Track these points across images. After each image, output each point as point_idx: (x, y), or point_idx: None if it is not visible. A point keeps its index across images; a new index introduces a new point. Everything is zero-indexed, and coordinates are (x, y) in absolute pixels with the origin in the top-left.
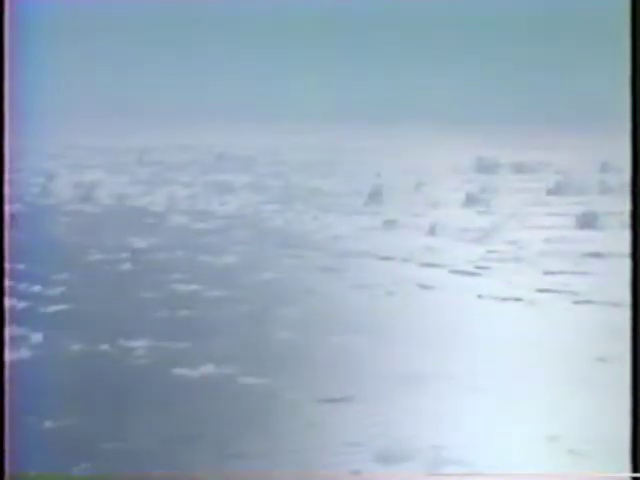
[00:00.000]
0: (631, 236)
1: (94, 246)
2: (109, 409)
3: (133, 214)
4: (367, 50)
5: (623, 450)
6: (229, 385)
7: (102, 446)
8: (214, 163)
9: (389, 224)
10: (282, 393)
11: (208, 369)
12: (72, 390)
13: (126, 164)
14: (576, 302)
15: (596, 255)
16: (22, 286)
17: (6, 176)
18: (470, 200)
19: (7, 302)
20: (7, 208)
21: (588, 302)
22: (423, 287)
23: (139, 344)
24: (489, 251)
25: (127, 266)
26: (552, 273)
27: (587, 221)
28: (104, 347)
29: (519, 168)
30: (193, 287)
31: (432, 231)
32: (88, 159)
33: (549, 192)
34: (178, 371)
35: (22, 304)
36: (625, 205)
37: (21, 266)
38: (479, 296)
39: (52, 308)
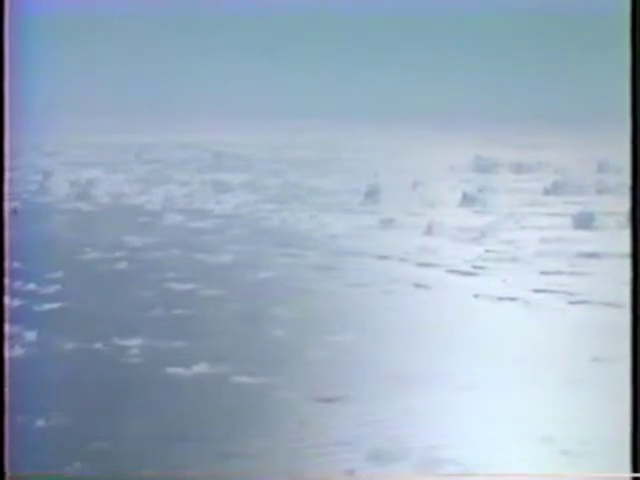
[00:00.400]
0: (631, 236)
1: (90, 244)
2: (102, 408)
3: (129, 212)
4: (365, 49)
5: (619, 450)
6: (223, 384)
7: (95, 445)
8: (212, 161)
9: (386, 223)
10: (276, 392)
11: (202, 368)
12: (65, 389)
13: (124, 162)
14: (572, 302)
15: (593, 255)
16: (16, 284)
17: (6, 174)
18: (467, 200)
19: (4, 300)
20: (6, 206)
21: (584, 302)
22: (419, 286)
23: (133, 343)
24: (486, 251)
25: (122, 265)
26: (548, 273)
27: (584, 221)
28: (98, 346)
29: (517, 168)
30: (189, 286)
31: (429, 231)
32: (86, 157)
33: (546, 192)
34: (172, 370)
35: (16, 302)
36: (622, 205)
37: (16, 264)
38: (475, 296)
39: (46, 306)
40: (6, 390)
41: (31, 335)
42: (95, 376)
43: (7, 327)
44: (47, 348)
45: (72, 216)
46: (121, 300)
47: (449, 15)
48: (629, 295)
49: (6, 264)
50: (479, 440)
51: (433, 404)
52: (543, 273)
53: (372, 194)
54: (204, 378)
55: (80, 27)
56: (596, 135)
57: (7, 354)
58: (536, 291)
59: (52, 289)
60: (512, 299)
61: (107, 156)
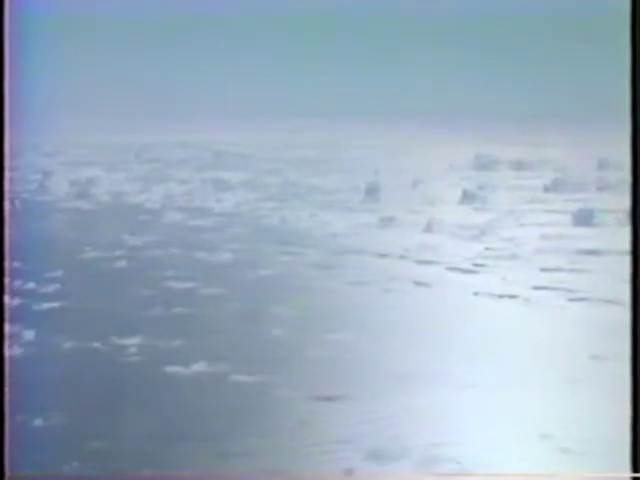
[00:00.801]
0: (631, 233)
1: (89, 243)
2: (101, 407)
3: (129, 211)
4: (365, 47)
5: (618, 449)
6: (223, 383)
7: (93, 444)
8: (212, 160)
9: (386, 221)
10: (276, 391)
11: (201, 367)
12: (63, 388)
13: (124, 161)
14: (571, 299)
15: (592, 252)
16: (16, 283)
17: (6, 174)
18: (467, 197)
19: (4, 300)
20: (7, 206)
21: (583, 299)
22: (419, 284)
23: (132, 342)
24: (486, 248)
25: (122, 263)
26: (548, 270)
27: (584, 218)
28: (96, 345)
29: (517, 165)
30: (188, 284)
31: (429, 228)
32: (86, 156)
33: (546, 189)
34: (171, 369)
35: (15, 301)
36: (622, 203)
37: (15, 263)
38: (475, 293)
39: (45, 305)
40: (6, 390)
41: (30, 334)
42: (94, 375)
43: (7, 326)
44: (46, 347)
45: (72, 215)
46: (120, 299)
47: (449, 14)
48: (629, 292)
49: (6, 263)
50: (479, 438)
51: (433, 402)
52: (543, 270)
53: (372, 192)
54: (203, 377)
55: (80, 27)
56: (596, 133)
57: (7, 353)
58: (536, 288)
59: (51, 288)
60: (512, 296)
61: (107, 155)
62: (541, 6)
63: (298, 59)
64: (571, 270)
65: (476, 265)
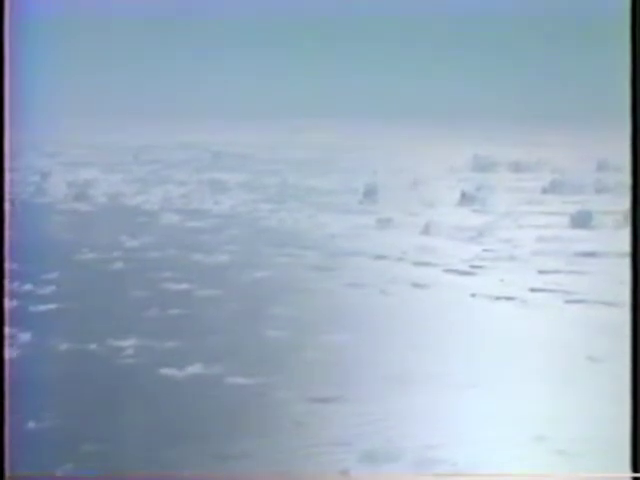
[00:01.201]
0: (631, 235)
1: (86, 245)
2: (96, 409)
3: (127, 213)
4: (363, 48)
5: (615, 450)
6: (219, 385)
7: (88, 446)
8: (211, 161)
9: (384, 223)
10: (272, 392)
11: (197, 369)
12: (59, 390)
13: (122, 163)
14: (569, 301)
15: (590, 254)
16: (13, 285)
17: (6, 175)
18: (465, 199)
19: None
20: (7, 208)
21: (581, 301)
22: (416, 286)
23: (128, 343)
24: (483, 250)
25: (119, 265)
26: (545, 272)
27: (582, 220)
28: (92, 347)
29: (516, 167)
30: (184, 286)
31: (427, 230)
32: (85, 158)
33: (545, 191)
34: (166, 371)
35: (12, 303)
36: (620, 204)
37: (12, 265)
38: (472, 295)
39: (42, 307)
40: (6, 390)
41: (25, 336)
42: (90, 377)
43: (6, 329)
44: (41, 349)
45: (69, 217)
46: (117, 300)
47: (448, 15)
48: (626, 294)
49: (6, 265)
50: (475, 440)
51: (430, 404)
52: (541, 272)
53: (370, 194)
54: (199, 379)
55: (80, 28)
56: (595, 134)
57: (7, 355)
58: (533, 290)
59: (48, 290)
60: (509, 298)
61: (105, 156)
62: (541, 7)
63: (297, 60)
64: (569, 272)
65: (474, 267)
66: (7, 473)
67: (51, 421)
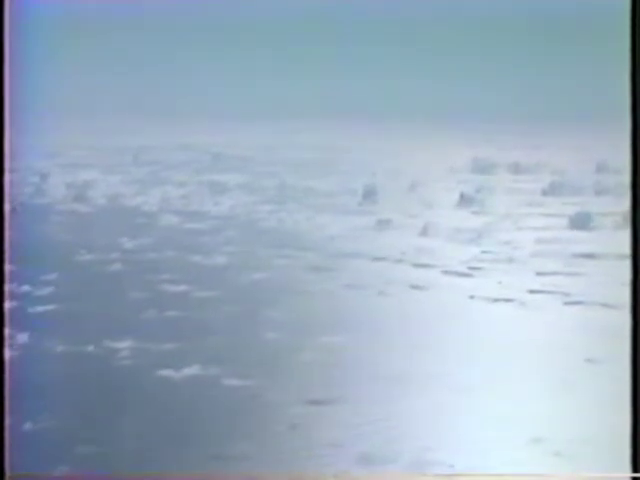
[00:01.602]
0: (631, 237)
1: (85, 246)
2: (91, 410)
3: (126, 214)
4: (363, 49)
5: (614, 451)
6: (214, 386)
7: (84, 448)
8: (210, 163)
9: (383, 224)
10: (269, 394)
11: (194, 370)
12: (54, 391)
13: (122, 164)
14: (567, 303)
15: (589, 256)
16: (10, 286)
17: (6, 177)
18: (464, 200)
19: (6, 304)
20: (6, 208)
21: (579, 303)
22: (415, 287)
23: (125, 345)
24: (482, 252)
25: (117, 266)
26: (544, 274)
27: (581, 222)
28: (89, 348)
29: (515, 168)
30: (182, 287)
31: (426, 232)
32: (84, 158)
33: (544, 192)
34: (163, 372)
35: (10, 304)
36: (619, 206)
37: (11, 266)
38: (471, 297)
39: (39, 308)
40: (6, 391)
41: (22, 338)
42: (85, 379)
43: (7, 330)
44: (37, 351)
45: (68, 218)
46: (114, 302)
47: (447, 16)
48: (625, 296)
49: (6, 267)
50: (473, 442)
51: (428, 405)
52: (539, 274)
53: (370, 195)
54: (196, 380)
55: (80, 29)
56: (595, 136)
57: (7, 356)
58: (532, 292)
59: (46, 291)
60: (508, 300)
61: (105, 158)
62: (540, 7)
63: (296, 61)
64: (568, 274)
65: (472, 269)
66: (7, 473)
67: (47, 422)
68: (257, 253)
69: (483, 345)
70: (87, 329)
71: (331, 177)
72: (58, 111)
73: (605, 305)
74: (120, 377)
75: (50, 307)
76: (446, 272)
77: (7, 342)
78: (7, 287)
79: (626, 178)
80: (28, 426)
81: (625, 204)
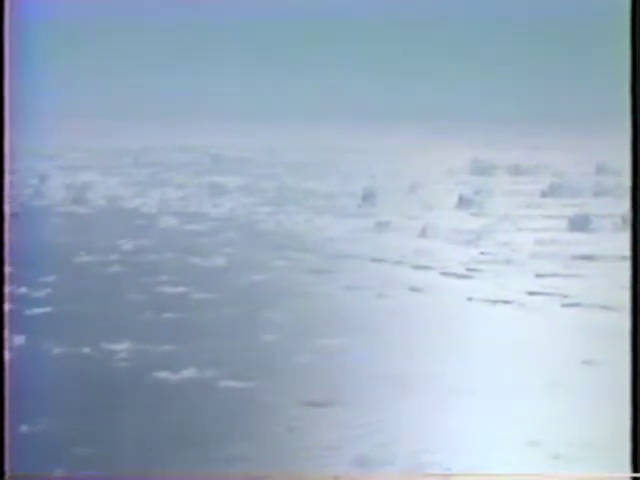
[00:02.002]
0: (631, 239)
1: (83, 248)
2: (88, 412)
3: (125, 216)
4: (362, 51)
5: (612, 452)
6: (212, 389)
7: (79, 450)
8: (210, 164)
9: (382, 226)
10: (265, 396)
11: (191, 372)
12: (50, 393)
13: (121, 166)
14: (565, 305)
15: (588, 258)
16: (9, 288)
17: (6, 178)
18: (463, 202)
19: (6, 307)
20: (6, 210)
21: (577, 305)
22: (414, 289)
23: (122, 347)
24: (481, 253)
25: (115, 268)
26: (543, 276)
27: (580, 223)
28: (86, 350)
29: (514, 170)
30: (180, 289)
31: (425, 233)
32: (84, 160)
33: (543, 194)
34: (160, 374)
35: (7, 306)
36: (618, 207)
37: (9, 268)
38: (469, 299)
39: (36, 310)
40: (6, 392)
41: (19, 340)
42: (82, 381)
43: (6, 333)
44: (34, 353)
45: (67, 220)
46: (112, 304)
47: (447, 17)
48: (624, 298)
49: (5, 270)
50: (471, 444)
51: (425, 408)
52: (538, 276)
53: (369, 197)
54: (193, 383)
55: (80, 31)
56: (595, 137)
57: (7, 357)
58: (530, 294)
59: (43, 293)
60: (506, 302)
61: (105, 159)
62: (539, 8)
63: (296, 62)
64: (567, 275)
65: (471, 270)
66: (7, 473)
67: (43, 424)
68: (256, 255)
69: (481, 347)
70: (83, 331)
71: (330, 179)
72: (58, 113)
73: (604, 307)
74: (118, 379)
75: (46, 309)
76: (445, 274)
77: (6, 344)
78: (7, 289)
79: (625, 180)
80: (25, 428)
81: (624, 206)
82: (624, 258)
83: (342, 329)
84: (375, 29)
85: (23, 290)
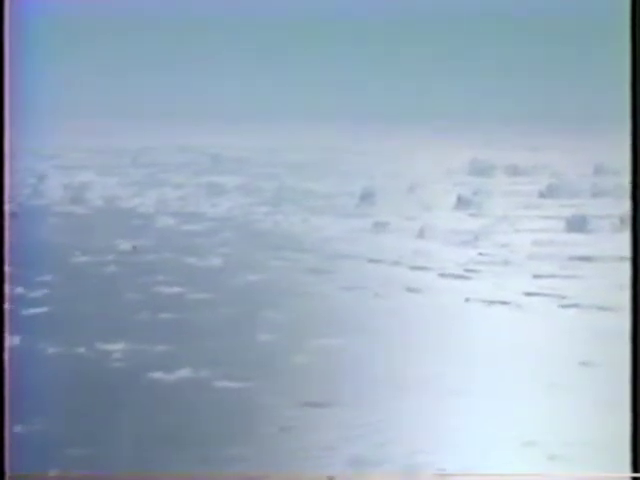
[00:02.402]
0: (631, 239)
1: (80, 248)
2: (83, 412)
3: (123, 216)
4: (361, 51)
5: (611, 453)
6: (208, 389)
7: (73, 450)
8: (209, 164)
9: (380, 226)
10: (262, 397)
11: (187, 372)
12: (45, 393)
13: (120, 165)
14: (563, 306)
15: (586, 259)
16: (6, 288)
17: (6, 179)
18: (462, 203)
19: (4, 308)
20: (7, 210)
21: (575, 306)
22: (411, 290)
23: (117, 347)
24: (479, 254)
25: (112, 268)
26: (541, 276)
27: (578, 224)
28: (81, 350)
29: (513, 170)
30: (177, 289)
31: (423, 234)
32: (83, 160)
33: (541, 195)
34: (155, 375)
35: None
36: (617, 208)
37: (8, 268)
38: (467, 299)
39: (32, 311)
40: (6, 392)
41: (15, 340)
42: (77, 381)
43: (7, 333)
44: (30, 353)
45: (65, 220)
46: (108, 304)
47: (446, 17)
48: (623, 298)
49: (6, 269)
50: (469, 444)
51: (423, 409)
52: (536, 276)
53: (367, 197)
54: (188, 383)
55: (80, 31)
56: (593, 138)
57: (7, 357)
58: (528, 294)
59: (39, 293)
60: (503, 302)
61: (104, 159)
62: (539, 8)
63: (296, 63)
64: (565, 276)
65: (469, 271)
66: (7, 473)
67: (37, 425)
68: (253, 255)
69: (479, 347)
70: (79, 331)
71: (329, 179)
72: (57, 112)
73: (602, 308)
74: (111, 380)
75: (42, 309)
76: (442, 274)
77: (6, 344)
78: (6, 289)
79: (624, 180)
80: (20, 428)
81: (622, 206)
82: (622, 259)
83: (339, 329)
84: (375, 29)
85: (20, 290)
